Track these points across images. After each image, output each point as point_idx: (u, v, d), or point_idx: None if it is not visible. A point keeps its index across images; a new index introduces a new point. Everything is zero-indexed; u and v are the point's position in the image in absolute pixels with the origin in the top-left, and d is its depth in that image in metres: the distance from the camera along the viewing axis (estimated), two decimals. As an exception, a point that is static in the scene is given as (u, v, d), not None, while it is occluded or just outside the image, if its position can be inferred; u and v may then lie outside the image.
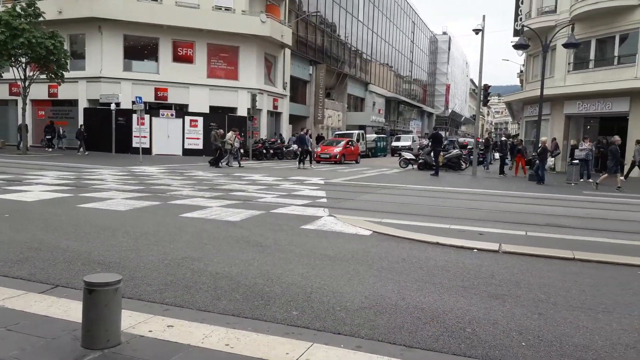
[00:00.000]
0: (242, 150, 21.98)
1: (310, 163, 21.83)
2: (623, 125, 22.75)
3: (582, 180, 18.21)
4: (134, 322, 3.33)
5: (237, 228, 6.97)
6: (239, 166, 20.79)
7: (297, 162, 21.78)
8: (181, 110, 29.12)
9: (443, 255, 5.74)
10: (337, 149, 27.27)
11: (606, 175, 15.79)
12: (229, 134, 21.04)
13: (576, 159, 18.88)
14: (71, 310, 3.50)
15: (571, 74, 25.11)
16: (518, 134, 28.48)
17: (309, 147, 22.51)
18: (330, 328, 3.48)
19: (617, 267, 5.50)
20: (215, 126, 23.81)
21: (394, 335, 3.40)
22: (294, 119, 39.04)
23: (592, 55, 24.30)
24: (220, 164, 20.51)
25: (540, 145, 17.79)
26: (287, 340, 3.17)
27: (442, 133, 28.49)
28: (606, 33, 23.38)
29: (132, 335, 3.11)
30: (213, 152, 20.74)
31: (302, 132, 23.11)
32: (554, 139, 23.75)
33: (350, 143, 28.84)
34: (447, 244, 6.29)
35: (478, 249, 6.06)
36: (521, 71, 42.37)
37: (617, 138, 16.40)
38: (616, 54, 23.24)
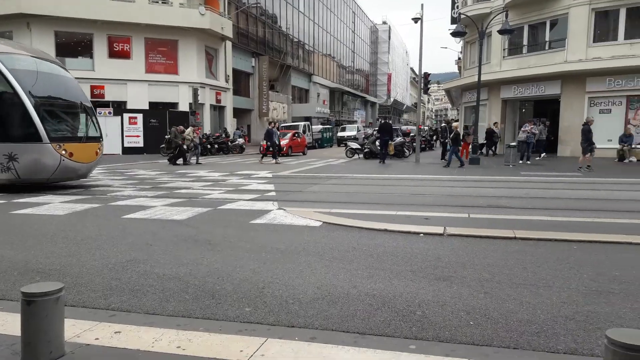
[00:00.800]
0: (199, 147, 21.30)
1: (275, 158, 21.32)
2: (555, 107, 23.96)
3: (521, 162, 18.99)
4: (78, 330, 3.18)
5: (184, 227, 6.81)
6: (197, 163, 20.37)
7: (272, 157, 21.37)
8: (119, 108, 28.07)
9: (391, 242, 5.85)
10: (284, 142, 27.15)
11: (584, 157, 16.09)
12: (188, 130, 20.55)
13: (515, 142, 19.70)
14: (8, 323, 3.30)
15: (506, 60, 26.11)
16: (457, 120, 29.38)
17: (277, 141, 22.04)
18: (284, 322, 3.46)
19: (555, 243, 5.78)
20: (156, 122, 23.07)
21: (347, 324, 3.42)
22: (238, 113, 38.55)
23: (525, 41, 25.34)
24: (187, 161, 20.04)
25: (452, 130, 18.43)
26: (240, 338, 3.14)
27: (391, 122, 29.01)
28: (538, 19, 24.45)
29: (77, 345, 2.98)
30: (172, 150, 20.15)
31: (269, 126, 22.47)
32: (472, 125, 24.66)
33: (296, 135, 28.81)
34: (395, 230, 6.40)
35: (424, 234, 6.21)
36: (459, 58, 43.67)
37: (590, 118, 16.80)
38: (547, 39, 24.35)
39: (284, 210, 8.05)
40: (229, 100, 35.73)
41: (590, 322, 3.46)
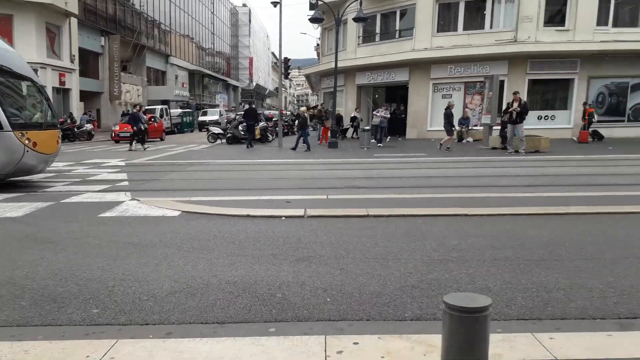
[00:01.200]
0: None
1: (131, 144, 19.74)
2: (405, 93, 25.78)
3: (380, 145, 20.02)
4: None
5: (20, 224, 6.07)
6: None
7: (129, 144, 19.74)
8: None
9: (253, 227, 5.84)
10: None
11: (447, 137, 17.24)
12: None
13: (368, 126, 20.84)
14: None
15: (361, 47, 27.36)
16: (317, 105, 30.27)
17: (144, 126, 20.37)
18: (137, 320, 3.27)
19: (403, 219, 6.25)
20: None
21: (206, 315, 3.34)
22: (86, 96, 35.33)
23: (378, 29, 26.73)
24: None
25: (300, 115, 19.24)
26: (87, 342, 2.89)
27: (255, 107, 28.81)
28: (389, 8, 25.92)
29: None
30: None
31: (134, 110, 20.61)
32: (329, 109, 25.75)
33: (153, 119, 27.29)
34: (257, 215, 6.40)
35: (286, 217, 6.31)
36: (318, 44, 44.79)
37: (452, 102, 18.19)
38: (397, 27, 25.96)
39: (138, 200, 7.58)
40: (74, 83, 32.52)
41: (432, 289, 3.80)
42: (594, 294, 3.69)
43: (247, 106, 27.85)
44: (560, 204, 7.01)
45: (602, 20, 21.98)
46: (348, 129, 25.67)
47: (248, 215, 6.38)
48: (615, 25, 22.08)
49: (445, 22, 24.42)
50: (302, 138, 18.42)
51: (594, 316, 3.33)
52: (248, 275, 4.11)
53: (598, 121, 21.74)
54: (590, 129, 20.27)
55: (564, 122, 22.59)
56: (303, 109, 19.87)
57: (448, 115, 17.26)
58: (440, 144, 17.24)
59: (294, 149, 18.08)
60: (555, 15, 22.54)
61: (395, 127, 23.93)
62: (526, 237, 5.28)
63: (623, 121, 22.98)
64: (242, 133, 22.04)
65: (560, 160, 13.69)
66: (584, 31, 21.75)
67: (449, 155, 15.35)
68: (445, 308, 2.39)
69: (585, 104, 20.95)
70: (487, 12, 23.41)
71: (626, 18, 22.53)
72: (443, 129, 17.69)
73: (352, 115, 25.75)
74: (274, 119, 30.64)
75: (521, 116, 15.66)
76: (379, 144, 19.95)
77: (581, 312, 3.39)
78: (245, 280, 4.00)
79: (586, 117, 20.12)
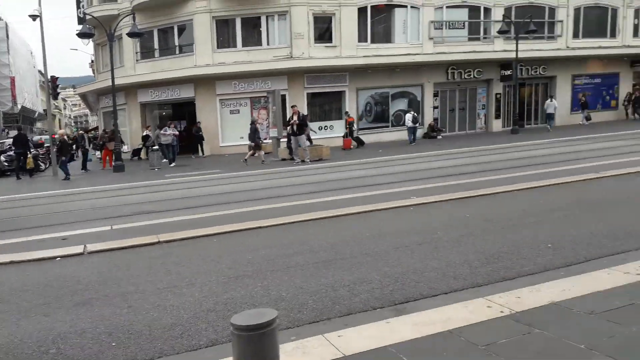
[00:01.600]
0: None
1: None
2: (192, 109, 25.34)
3: (172, 165, 19.13)
4: None
5: None
6: None
7: None
8: None
9: (20, 275, 5.01)
10: None
11: (258, 151, 17.53)
12: None
13: (156, 145, 19.90)
14: None
15: (140, 63, 26.03)
16: (97, 127, 27.87)
17: None
18: None
19: (197, 240, 6.06)
20: None
21: (-49, 397, 2.70)
22: None
23: (156, 45, 25.76)
24: None
25: (58, 139, 17.89)
26: None
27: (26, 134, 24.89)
28: (166, 23, 25.17)
29: None
30: None
31: None
32: (104, 130, 24.25)
33: None
34: (23, 259, 5.51)
35: (61, 257, 5.56)
36: (92, 61, 41.24)
37: (255, 118, 18.90)
38: (177, 43, 25.37)
39: None
40: None
41: (228, 309, 3.73)
42: (373, 285, 4.06)
43: (15, 132, 24.18)
44: (340, 206, 7.62)
45: (362, 37, 24.90)
46: (141, 149, 24.17)
47: (12, 262, 5.45)
48: (373, 41, 25.23)
49: (224, 38, 24.79)
50: (62, 164, 16.62)
51: (375, 306, 3.66)
52: (12, 335, 3.48)
53: (367, 128, 24.62)
54: (355, 136, 22.72)
55: (340, 131, 24.79)
56: (61, 131, 17.95)
57: (254, 131, 17.87)
58: (263, 160, 17.58)
59: (66, 178, 16.14)
60: (324, 32, 24.77)
61: (192, 144, 23.39)
62: (314, 241, 5.60)
63: (388, 126, 26.35)
64: (6, 164, 19.04)
65: (340, 166, 15.01)
66: (349, 47, 24.39)
67: (241, 170, 15.57)
68: (233, 329, 2.33)
69: (346, 113, 23.56)
70: (263, 29, 24.51)
71: (381, 35, 25.94)
72: (241, 144, 18.10)
73: (144, 134, 24.31)
74: (45, 145, 27.08)
75: (301, 128, 16.78)
76: (171, 164, 19.22)
77: (364, 305, 3.69)
78: (9, 341, 3.38)
79: (347, 126, 22.59)
